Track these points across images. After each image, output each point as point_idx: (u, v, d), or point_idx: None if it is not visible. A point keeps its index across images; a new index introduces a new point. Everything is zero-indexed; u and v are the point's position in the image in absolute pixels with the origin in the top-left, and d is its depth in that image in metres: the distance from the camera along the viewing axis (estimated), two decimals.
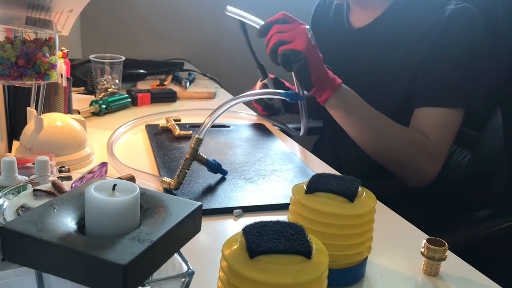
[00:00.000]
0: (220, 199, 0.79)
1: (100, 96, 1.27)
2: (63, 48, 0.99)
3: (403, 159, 1.01)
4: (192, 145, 0.81)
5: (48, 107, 0.99)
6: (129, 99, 1.28)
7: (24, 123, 0.89)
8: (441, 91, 0.99)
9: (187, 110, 1.31)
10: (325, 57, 0.98)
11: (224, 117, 1.16)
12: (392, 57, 1.07)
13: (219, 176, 0.87)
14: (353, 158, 1.10)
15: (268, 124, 1.24)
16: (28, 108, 0.88)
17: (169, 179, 0.80)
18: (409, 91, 1.04)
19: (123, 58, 1.32)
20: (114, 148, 0.97)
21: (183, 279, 0.42)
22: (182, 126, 1.14)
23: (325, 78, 0.96)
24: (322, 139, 1.37)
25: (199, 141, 0.82)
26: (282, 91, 0.88)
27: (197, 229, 0.46)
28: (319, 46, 0.96)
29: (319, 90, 0.97)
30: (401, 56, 1.05)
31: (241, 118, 1.27)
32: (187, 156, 0.81)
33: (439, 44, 0.99)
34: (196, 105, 1.37)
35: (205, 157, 0.84)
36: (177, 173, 0.80)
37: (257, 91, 0.89)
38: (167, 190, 0.80)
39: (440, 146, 1.00)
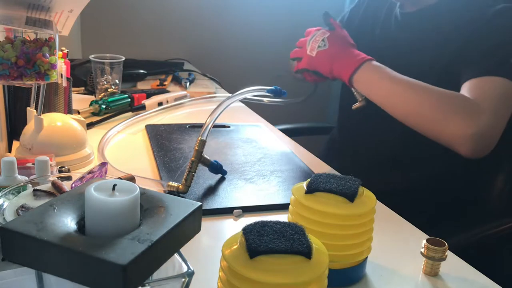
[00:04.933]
0: (220, 199, 0.79)
1: (100, 96, 1.27)
2: (63, 48, 0.99)
3: (442, 115, 0.92)
4: (196, 147, 0.81)
5: (48, 107, 0.99)
6: (129, 99, 1.28)
7: (24, 123, 0.89)
8: (489, 60, 0.95)
9: (187, 108, 1.32)
10: (375, 36, 1.15)
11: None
12: (433, 44, 1.06)
13: (219, 176, 0.87)
14: (366, 161, 1.11)
15: (268, 124, 1.24)
16: (28, 108, 0.88)
17: (176, 183, 0.79)
18: (446, 75, 1.02)
19: (123, 58, 1.32)
20: (114, 148, 0.97)
21: (183, 279, 0.42)
22: (182, 127, 1.14)
23: (340, 68, 1.03)
24: (336, 139, 1.37)
25: (202, 143, 0.81)
26: (268, 87, 0.93)
27: (197, 229, 0.46)
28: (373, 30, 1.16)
29: (338, 78, 1.06)
30: (441, 42, 1.04)
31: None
32: (193, 158, 0.81)
33: (483, 29, 0.98)
34: (196, 105, 1.38)
35: (209, 159, 0.84)
36: (185, 176, 0.79)
37: (250, 88, 0.91)
38: (171, 193, 0.79)
39: (485, 107, 0.90)
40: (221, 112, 0.84)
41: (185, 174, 0.79)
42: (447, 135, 0.92)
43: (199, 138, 0.82)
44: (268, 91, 0.93)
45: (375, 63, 1.02)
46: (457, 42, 1.01)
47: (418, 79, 1.02)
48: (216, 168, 0.86)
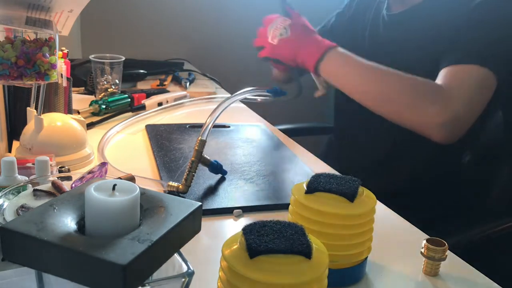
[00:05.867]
0: (220, 199, 0.79)
1: (100, 96, 1.27)
2: (63, 48, 0.99)
3: (411, 101, 0.93)
4: (196, 147, 0.81)
5: (48, 107, 0.99)
6: (129, 99, 1.28)
7: (24, 123, 0.89)
8: (466, 51, 0.95)
9: (187, 108, 1.32)
10: (365, 38, 1.15)
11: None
12: (420, 43, 1.06)
13: (219, 176, 0.87)
14: (361, 160, 1.11)
15: (268, 124, 1.24)
16: (28, 108, 0.88)
17: (176, 183, 0.79)
18: (436, 75, 1.02)
19: (123, 58, 1.32)
20: (114, 148, 0.97)
21: (183, 279, 0.42)
22: (182, 127, 1.14)
23: (304, 56, 1.02)
24: (334, 139, 1.37)
25: (202, 143, 0.81)
26: (267, 87, 0.94)
27: (197, 229, 0.46)
28: (363, 32, 1.17)
29: (302, 66, 1.05)
30: (429, 43, 1.04)
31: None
32: (193, 158, 0.81)
33: (463, 25, 0.98)
34: (196, 105, 1.38)
35: (209, 159, 0.84)
36: (185, 176, 0.79)
37: (250, 88, 0.92)
38: (171, 193, 0.79)
39: (457, 94, 0.91)
40: (221, 112, 0.84)
41: (185, 174, 0.79)
42: (418, 122, 0.92)
43: (199, 138, 0.82)
44: (268, 91, 0.94)
45: (340, 49, 0.99)
46: (444, 42, 1.01)
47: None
48: (216, 168, 0.86)
